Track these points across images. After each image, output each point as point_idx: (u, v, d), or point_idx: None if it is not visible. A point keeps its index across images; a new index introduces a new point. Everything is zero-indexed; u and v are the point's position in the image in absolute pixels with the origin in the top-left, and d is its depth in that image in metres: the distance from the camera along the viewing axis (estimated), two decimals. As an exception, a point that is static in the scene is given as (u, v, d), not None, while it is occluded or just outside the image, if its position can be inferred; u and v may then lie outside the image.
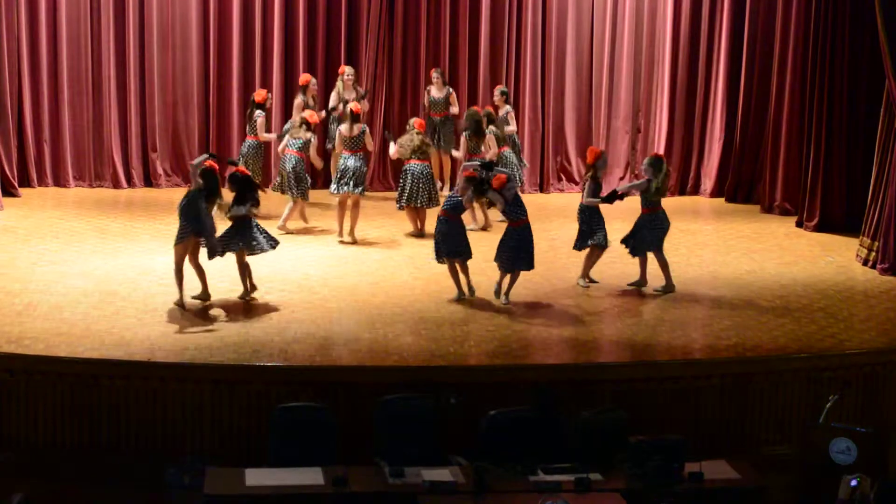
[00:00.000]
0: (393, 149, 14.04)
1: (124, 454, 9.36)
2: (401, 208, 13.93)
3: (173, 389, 9.40)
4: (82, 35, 16.00)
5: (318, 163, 14.33)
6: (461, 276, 11.48)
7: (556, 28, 16.85)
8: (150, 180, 16.41)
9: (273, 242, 11.31)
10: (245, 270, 11.20)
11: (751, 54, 16.20)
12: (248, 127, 14.71)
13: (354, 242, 13.50)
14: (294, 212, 13.95)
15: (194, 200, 10.86)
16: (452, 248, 11.42)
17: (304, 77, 15.31)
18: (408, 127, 14.13)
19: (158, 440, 9.38)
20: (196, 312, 10.86)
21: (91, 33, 16.04)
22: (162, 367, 9.53)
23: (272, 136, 14.73)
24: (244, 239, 11.09)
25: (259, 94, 14.60)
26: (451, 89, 15.84)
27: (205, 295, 11.09)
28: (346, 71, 15.45)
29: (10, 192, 15.31)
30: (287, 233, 13.57)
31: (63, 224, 14.12)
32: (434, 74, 15.84)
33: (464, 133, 14.45)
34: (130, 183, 16.32)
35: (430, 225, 13.72)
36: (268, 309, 11.06)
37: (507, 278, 11.39)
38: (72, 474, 9.20)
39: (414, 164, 13.79)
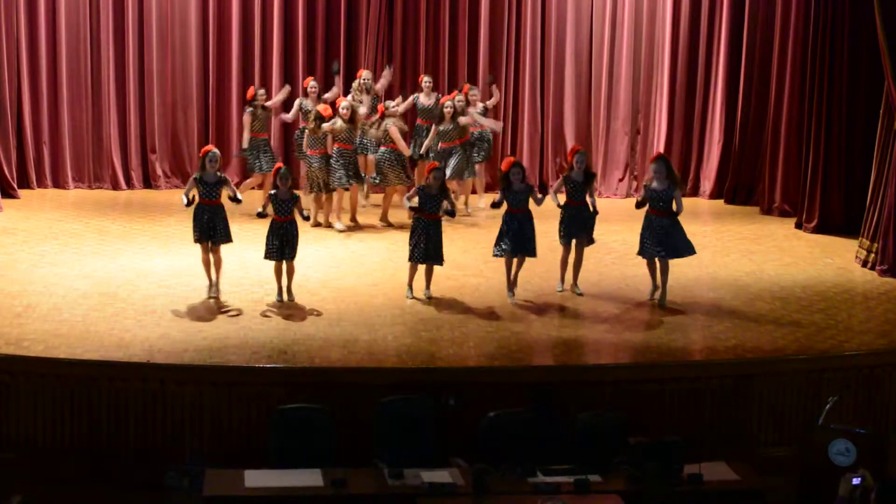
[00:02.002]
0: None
1: (124, 456, 9.36)
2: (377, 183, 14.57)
3: (172, 391, 9.40)
4: (81, 36, 15.99)
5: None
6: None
7: (556, 29, 16.83)
8: (149, 182, 16.40)
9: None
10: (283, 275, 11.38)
11: (750, 56, 16.18)
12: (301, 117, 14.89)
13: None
14: (332, 206, 14.19)
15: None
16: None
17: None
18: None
19: (158, 442, 9.38)
20: (195, 314, 10.86)
21: (90, 35, 16.03)
22: (161, 368, 9.54)
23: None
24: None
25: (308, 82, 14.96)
26: (439, 96, 15.37)
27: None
28: (364, 75, 15.18)
29: (9, 194, 15.29)
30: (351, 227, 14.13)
31: (62, 226, 14.10)
32: (424, 80, 15.36)
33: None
34: (130, 184, 16.30)
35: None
36: (267, 310, 11.06)
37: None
38: (71, 476, 9.20)
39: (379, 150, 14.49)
